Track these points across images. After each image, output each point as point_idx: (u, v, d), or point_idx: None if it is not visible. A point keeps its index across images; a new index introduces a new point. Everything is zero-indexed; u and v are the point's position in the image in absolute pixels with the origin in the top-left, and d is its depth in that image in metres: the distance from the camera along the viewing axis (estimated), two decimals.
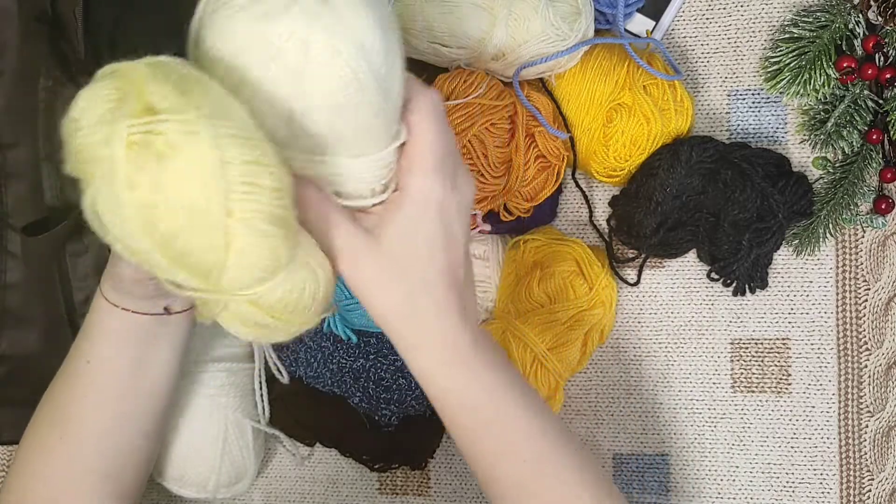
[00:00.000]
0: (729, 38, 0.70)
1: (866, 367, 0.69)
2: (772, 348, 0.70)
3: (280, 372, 0.72)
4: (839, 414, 0.69)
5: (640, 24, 0.69)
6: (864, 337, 0.69)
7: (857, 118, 0.66)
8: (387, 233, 0.47)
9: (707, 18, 0.70)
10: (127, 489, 0.60)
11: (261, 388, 0.72)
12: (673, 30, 0.71)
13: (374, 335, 0.68)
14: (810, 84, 0.65)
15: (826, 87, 0.65)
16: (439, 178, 0.46)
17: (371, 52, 0.39)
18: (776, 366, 0.70)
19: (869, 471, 0.69)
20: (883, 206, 0.67)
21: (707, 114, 0.70)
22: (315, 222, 0.45)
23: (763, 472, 0.70)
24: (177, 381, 0.60)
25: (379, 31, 0.39)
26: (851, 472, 0.69)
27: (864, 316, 0.69)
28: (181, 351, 0.59)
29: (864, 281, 0.69)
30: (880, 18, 0.64)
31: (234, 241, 0.38)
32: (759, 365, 0.70)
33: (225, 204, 0.37)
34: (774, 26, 0.69)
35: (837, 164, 0.68)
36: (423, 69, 0.68)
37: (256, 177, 0.38)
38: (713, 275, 0.69)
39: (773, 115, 0.69)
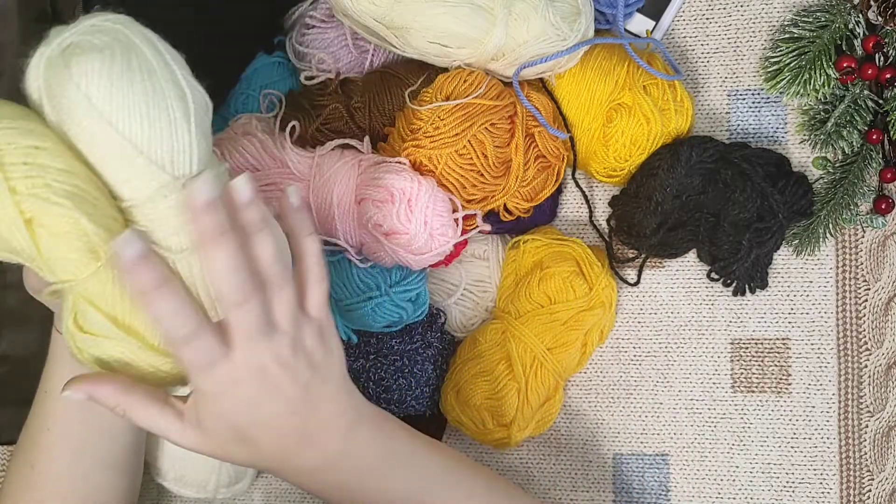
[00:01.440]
0: (729, 38, 0.70)
1: (866, 367, 0.69)
2: (772, 348, 0.70)
3: None
4: (839, 414, 0.69)
5: (640, 24, 0.69)
6: (864, 337, 0.69)
7: (857, 118, 0.66)
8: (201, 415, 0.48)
9: (707, 18, 0.70)
10: None
11: None
12: (673, 30, 0.71)
13: (374, 335, 0.68)
14: (810, 84, 0.65)
15: (826, 87, 0.65)
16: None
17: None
18: (776, 366, 0.70)
19: (869, 471, 0.69)
20: (883, 206, 0.67)
21: (707, 114, 0.70)
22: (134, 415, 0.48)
23: (763, 472, 0.70)
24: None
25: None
26: (851, 472, 0.69)
27: (864, 316, 0.69)
28: None
29: (864, 281, 0.69)
30: (880, 18, 0.64)
31: (34, 218, 0.42)
32: (759, 365, 0.70)
33: (6, 183, 0.42)
34: (774, 26, 0.69)
35: (837, 164, 0.68)
36: (423, 69, 0.68)
37: (35, 158, 0.42)
38: (713, 275, 0.69)
39: (773, 115, 0.69)
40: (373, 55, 0.68)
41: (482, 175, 0.63)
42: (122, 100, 0.42)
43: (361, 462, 0.52)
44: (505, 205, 0.66)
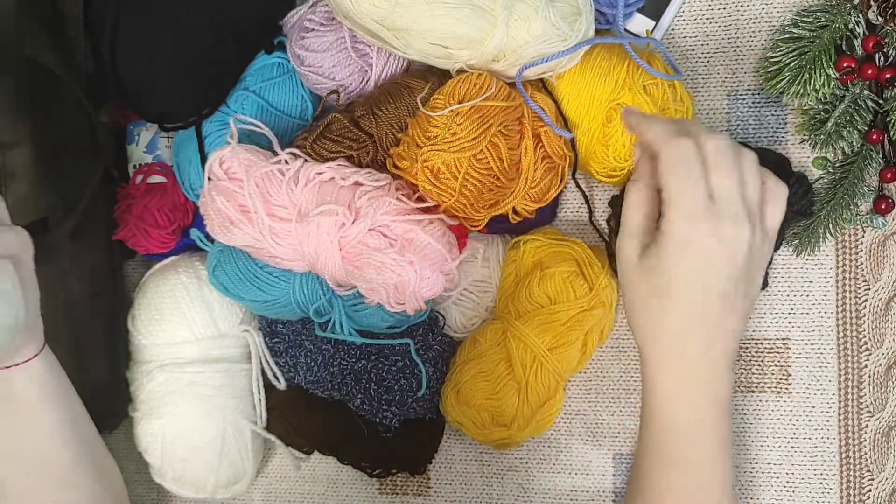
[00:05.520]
0: (729, 38, 0.70)
1: (866, 367, 0.69)
2: (772, 348, 0.70)
3: (277, 378, 0.72)
4: (839, 414, 0.69)
5: (640, 24, 0.69)
6: (864, 337, 0.69)
7: (857, 118, 0.66)
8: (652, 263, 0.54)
9: (707, 18, 0.70)
10: None
11: (258, 393, 0.72)
12: (673, 30, 0.71)
13: (376, 336, 0.68)
14: (810, 84, 0.65)
15: (826, 87, 0.65)
16: (692, 224, 0.52)
17: None
18: (776, 366, 0.70)
19: (869, 471, 0.69)
20: (883, 206, 0.67)
21: (707, 114, 0.70)
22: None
23: (763, 472, 0.70)
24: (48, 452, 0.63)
25: None
26: (851, 472, 0.69)
27: (864, 316, 0.69)
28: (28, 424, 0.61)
29: (864, 281, 0.69)
30: (880, 18, 0.64)
31: None
32: (759, 365, 0.70)
33: None
34: (774, 26, 0.69)
35: (837, 164, 0.68)
36: (423, 73, 0.68)
37: None
38: None
39: (773, 115, 0.69)
40: (374, 59, 0.67)
41: (498, 179, 0.62)
42: None
43: (719, 378, 0.55)
44: (514, 207, 0.66)
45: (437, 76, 0.66)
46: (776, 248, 0.67)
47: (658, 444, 0.57)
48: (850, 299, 0.69)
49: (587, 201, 0.71)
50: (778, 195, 0.55)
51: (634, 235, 0.56)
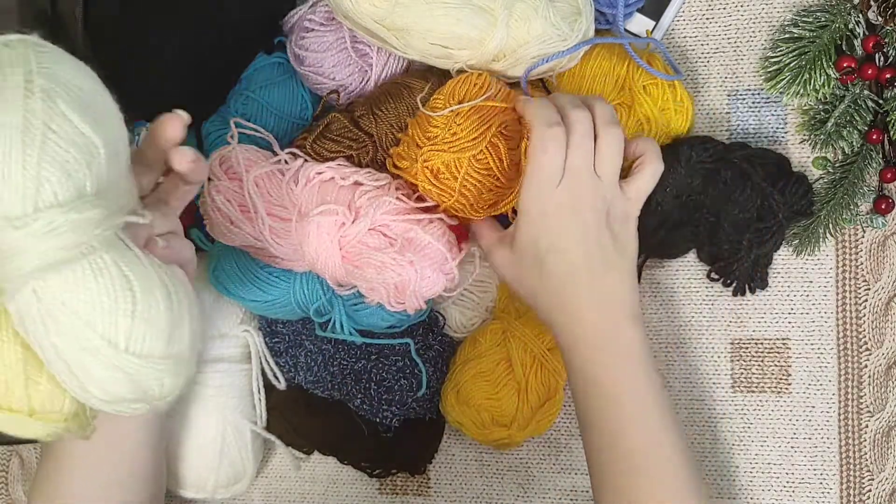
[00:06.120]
0: (729, 38, 0.70)
1: (866, 367, 0.69)
2: (772, 348, 0.70)
3: (277, 378, 0.72)
4: (839, 414, 0.69)
5: (640, 24, 0.69)
6: (864, 337, 0.69)
7: (857, 118, 0.66)
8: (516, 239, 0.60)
9: (707, 18, 0.70)
10: None
11: (258, 393, 0.72)
12: (673, 30, 0.71)
13: (376, 335, 0.68)
14: (810, 84, 0.65)
15: (826, 87, 0.65)
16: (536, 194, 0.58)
17: None
18: (776, 366, 0.70)
19: (869, 471, 0.69)
20: (883, 206, 0.67)
21: (707, 114, 0.70)
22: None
23: (763, 472, 0.70)
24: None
25: None
26: (851, 472, 0.69)
27: (864, 316, 0.69)
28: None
29: (864, 281, 0.69)
30: (880, 18, 0.64)
31: None
32: (759, 365, 0.70)
33: None
34: (774, 26, 0.69)
35: (837, 164, 0.68)
36: (423, 73, 0.68)
37: None
38: (713, 275, 0.69)
39: (773, 115, 0.69)
40: (374, 59, 0.67)
41: (498, 179, 0.62)
42: None
43: (620, 349, 0.58)
44: (514, 207, 0.66)
45: (437, 76, 0.66)
46: (776, 248, 0.67)
47: (588, 396, 0.59)
48: (850, 299, 0.69)
49: None
50: (650, 162, 0.60)
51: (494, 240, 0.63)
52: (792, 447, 0.70)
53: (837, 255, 0.69)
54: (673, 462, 0.56)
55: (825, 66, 0.65)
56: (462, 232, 0.66)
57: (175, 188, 0.56)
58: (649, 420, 0.57)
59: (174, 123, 0.53)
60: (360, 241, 0.61)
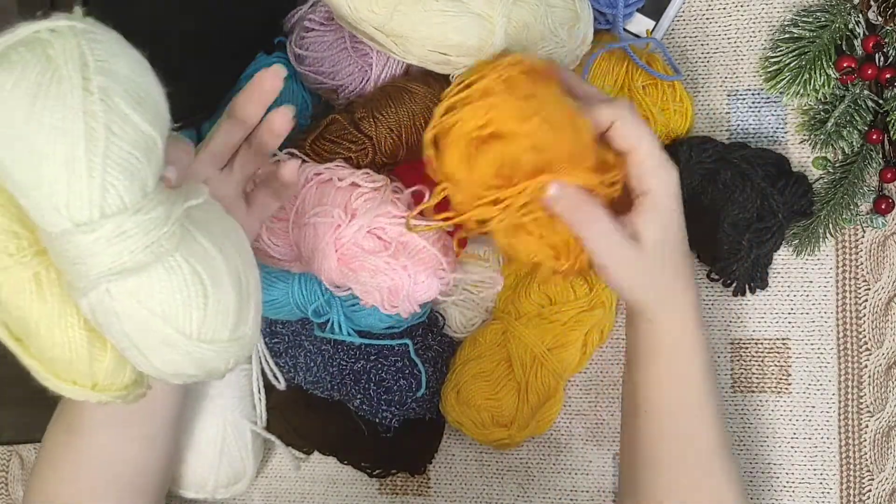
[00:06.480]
0: (729, 38, 0.70)
1: (866, 367, 0.69)
2: (772, 348, 0.70)
3: (277, 378, 0.72)
4: (839, 414, 0.69)
5: (640, 24, 0.69)
6: (864, 337, 0.69)
7: (857, 118, 0.66)
8: (648, 237, 0.53)
9: (707, 18, 0.70)
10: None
11: (258, 393, 0.72)
12: (673, 30, 0.71)
13: (375, 336, 0.68)
14: (810, 84, 0.65)
15: (826, 87, 0.65)
16: (669, 170, 0.53)
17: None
18: (776, 366, 0.70)
19: (869, 471, 0.69)
20: (883, 206, 0.67)
21: (707, 114, 0.70)
22: (579, 229, 0.52)
23: (763, 472, 0.70)
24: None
25: None
26: (851, 472, 0.69)
27: (864, 316, 0.69)
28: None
29: (864, 281, 0.69)
30: (880, 18, 0.64)
31: None
32: (759, 365, 0.70)
33: None
34: (774, 26, 0.69)
35: (837, 164, 0.68)
36: (425, 78, 0.68)
37: None
38: (713, 275, 0.69)
39: (773, 115, 0.69)
40: (374, 59, 0.67)
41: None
42: (8, 130, 0.38)
43: (680, 315, 0.56)
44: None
45: (438, 80, 0.66)
46: (776, 248, 0.67)
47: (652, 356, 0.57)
48: (850, 299, 0.69)
49: None
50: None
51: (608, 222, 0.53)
52: (792, 447, 0.70)
53: (837, 255, 0.69)
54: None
55: (825, 66, 0.65)
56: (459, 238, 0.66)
57: (245, 155, 0.59)
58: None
59: (275, 74, 0.58)
60: (355, 244, 0.61)
